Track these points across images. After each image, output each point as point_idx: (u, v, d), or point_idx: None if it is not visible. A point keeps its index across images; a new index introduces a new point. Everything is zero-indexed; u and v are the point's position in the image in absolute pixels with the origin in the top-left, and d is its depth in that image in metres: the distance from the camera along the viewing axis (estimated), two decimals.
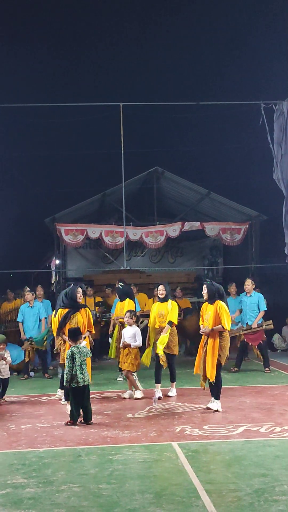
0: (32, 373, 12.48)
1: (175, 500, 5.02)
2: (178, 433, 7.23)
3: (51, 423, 8.00)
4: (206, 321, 8.62)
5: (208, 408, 8.49)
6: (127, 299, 11.42)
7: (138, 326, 10.53)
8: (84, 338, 8.60)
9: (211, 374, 8.41)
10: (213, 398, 8.59)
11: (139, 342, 9.75)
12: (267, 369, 12.09)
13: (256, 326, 12.21)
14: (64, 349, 8.82)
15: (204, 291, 8.72)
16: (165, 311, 9.72)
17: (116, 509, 4.85)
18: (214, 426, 7.56)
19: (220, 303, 8.59)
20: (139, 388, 9.78)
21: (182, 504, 4.92)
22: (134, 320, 9.96)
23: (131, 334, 9.77)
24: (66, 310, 8.72)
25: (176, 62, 25.00)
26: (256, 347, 12.26)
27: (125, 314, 10.06)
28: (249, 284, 12.41)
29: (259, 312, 12.22)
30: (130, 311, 10.09)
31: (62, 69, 24.88)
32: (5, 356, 9.48)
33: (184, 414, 8.30)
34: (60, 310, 8.86)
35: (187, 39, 24.49)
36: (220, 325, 8.43)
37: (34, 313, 12.43)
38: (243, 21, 23.66)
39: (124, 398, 9.61)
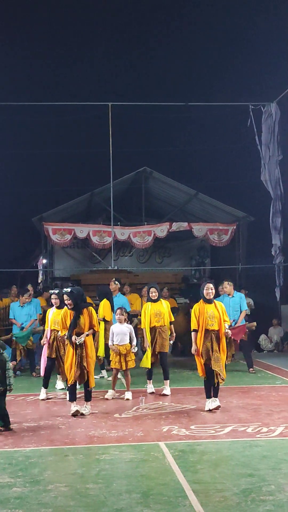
0: (18, 372, 12.45)
1: (162, 500, 5.01)
2: (165, 433, 7.23)
3: (37, 423, 7.97)
4: (210, 319, 8.48)
5: (217, 408, 8.45)
6: (104, 299, 11.51)
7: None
8: (87, 335, 8.51)
9: (224, 374, 8.48)
10: (214, 397, 8.57)
11: (135, 341, 9.70)
12: (251, 369, 12.15)
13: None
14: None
15: (213, 290, 8.63)
16: (161, 310, 9.89)
17: (103, 509, 4.84)
18: (201, 426, 7.57)
19: (220, 303, 8.76)
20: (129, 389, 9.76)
21: (169, 504, 4.92)
22: (126, 317, 9.90)
23: (124, 332, 9.58)
24: (70, 311, 8.63)
25: (166, 63, 25.06)
26: (235, 344, 12.32)
27: (115, 312, 10.06)
28: (226, 286, 12.38)
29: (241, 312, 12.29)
30: (120, 308, 10.04)
31: (51, 68, 24.84)
32: None
33: (171, 414, 8.30)
34: (65, 309, 8.73)
35: (177, 41, 24.58)
36: (227, 324, 8.70)
37: (25, 313, 12.41)
38: (233, 24, 23.75)
39: (107, 399, 9.57)
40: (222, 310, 8.63)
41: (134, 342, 9.66)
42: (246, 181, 18.68)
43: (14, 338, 12.17)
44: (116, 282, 12.61)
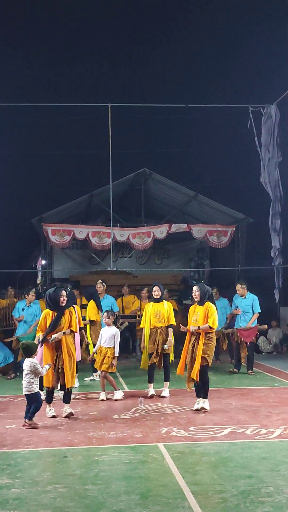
0: (19, 373, 12.44)
1: (161, 501, 5.01)
2: (164, 434, 7.23)
3: (36, 424, 7.95)
4: (195, 321, 8.63)
5: (200, 409, 8.50)
6: (91, 301, 11.58)
7: (118, 327, 10.65)
8: (64, 333, 8.41)
9: (196, 374, 8.46)
10: (202, 398, 8.62)
11: (117, 347, 9.62)
12: (250, 371, 12.14)
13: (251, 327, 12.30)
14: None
15: (197, 293, 8.71)
16: (161, 311, 9.82)
17: (102, 510, 4.84)
18: (199, 427, 7.57)
19: (210, 304, 8.67)
20: (117, 388, 9.74)
21: (168, 505, 4.92)
22: (112, 320, 9.88)
23: (110, 335, 9.63)
24: (52, 312, 8.53)
25: (166, 64, 25.11)
26: (246, 345, 12.33)
27: (103, 314, 10.08)
28: (239, 289, 12.50)
29: (253, 314, 12.29)
30: (107, 311, 10.06)
31: (51, 69, 24.87)
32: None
33: (170, 416, 8.30)
34: (46, 311, 8.68)
35: (177, 43, 24.62)
36: (207, 325, 8.47)
37: (31, 313, 12.39)
38: (233, 26, 23.79)
39: (103, 400, 9.54)
40: (209, 312, 8.59)
41: (117, 347, 9.60)
42: (246, 182, 18.71)
43: (19, 340, 12.15)
44: (104, 284, 12.69)
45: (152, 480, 5.62)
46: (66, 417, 8.21)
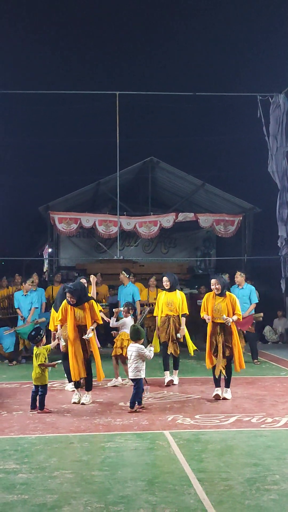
0: (23, 360, 12.51)
1: (167, 488, 5.04)
2: (170, 422, 7.26)
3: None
4: (217, 312, 8.66)
5: (224, 398, 8.58)
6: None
7: (141, 313, 11.22)
8: (92, 329, 8.49)
9: (242, 363, 8.64)
10: (226, 388, 8.75)
11: (118, 323, 9.82)
12: (255, 360, 12.17)
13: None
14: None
15: (218, 286, 8.70)
16: (174, 300, 9.86)
17: (108, 496, 4.87)
18: (205, 415, 7.60)
19: (233, 296, 8.81)
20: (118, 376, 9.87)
21: (174, 492, 4.95)
22: (131, 314, 10.00)
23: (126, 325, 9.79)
24: (70, 306, 8.52)
25: (174, 53, 24.97)
26: (244, 335, 12.34)
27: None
28: (238, 276, 12.46)
29: (251, 304, 12.27)
30: (126, 304, 10.12)
31: (59, 57, 24.78)
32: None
33: (176, 404, 8.33)
34: (65, 302, 8.60)
35: (186, 31, 24.47)
36: (236, 317, 8.63)
37: (28, 301, 12.50)
38: (241, 14, 23.62)
39: (115, 386, 9.68)
40: (234, 303, 8.73)
41: (115, 322, 9.76)
42: (253, 172, 18.63)
43: (18, 332, 12.27)
44: (125, 273, 12.61)
45: (158, 467, 5.66)
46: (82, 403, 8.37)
